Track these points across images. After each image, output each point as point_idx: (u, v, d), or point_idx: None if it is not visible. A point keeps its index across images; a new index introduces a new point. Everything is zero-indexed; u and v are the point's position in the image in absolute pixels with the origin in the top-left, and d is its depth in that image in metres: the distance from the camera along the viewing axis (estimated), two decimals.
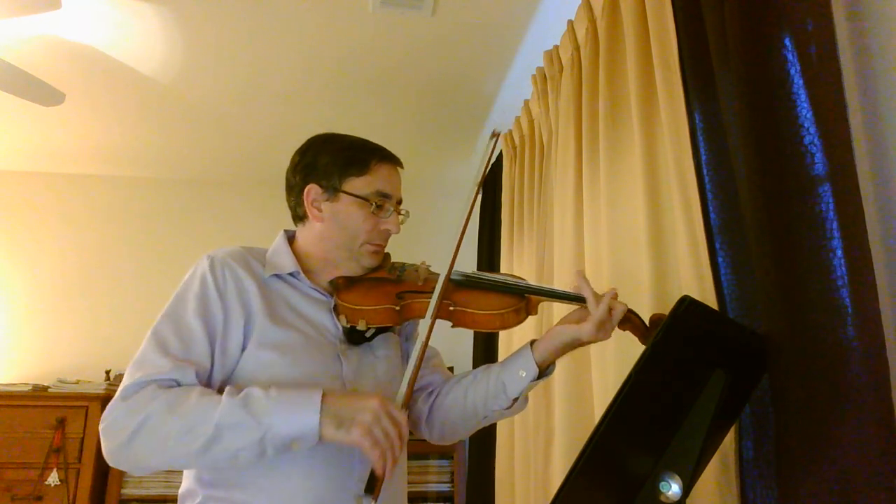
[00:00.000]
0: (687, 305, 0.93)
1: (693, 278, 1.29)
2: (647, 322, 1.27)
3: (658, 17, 1.52)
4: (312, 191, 1.27)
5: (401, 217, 1.33)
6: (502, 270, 2.95)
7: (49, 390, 3.27)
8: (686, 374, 0.97)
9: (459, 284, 1.26)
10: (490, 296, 1.24)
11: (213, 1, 2.29)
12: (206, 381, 1.12)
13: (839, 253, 0.90)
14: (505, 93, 2.91)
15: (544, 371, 1.23)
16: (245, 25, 2.43)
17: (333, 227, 1.27)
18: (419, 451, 3.35)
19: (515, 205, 2.83)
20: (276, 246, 1.31)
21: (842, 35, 1.03)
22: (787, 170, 0.97)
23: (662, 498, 0.93)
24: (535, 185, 2.54)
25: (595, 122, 1.85)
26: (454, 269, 1.25)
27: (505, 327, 1.23)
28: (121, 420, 1.03)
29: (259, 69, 2.74)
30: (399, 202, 1.33)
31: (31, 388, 3.24)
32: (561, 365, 1.93)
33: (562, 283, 2.00)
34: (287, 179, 1.32)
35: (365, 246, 1.27)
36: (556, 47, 2.28)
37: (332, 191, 1.26)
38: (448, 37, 2.48)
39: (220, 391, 1.08)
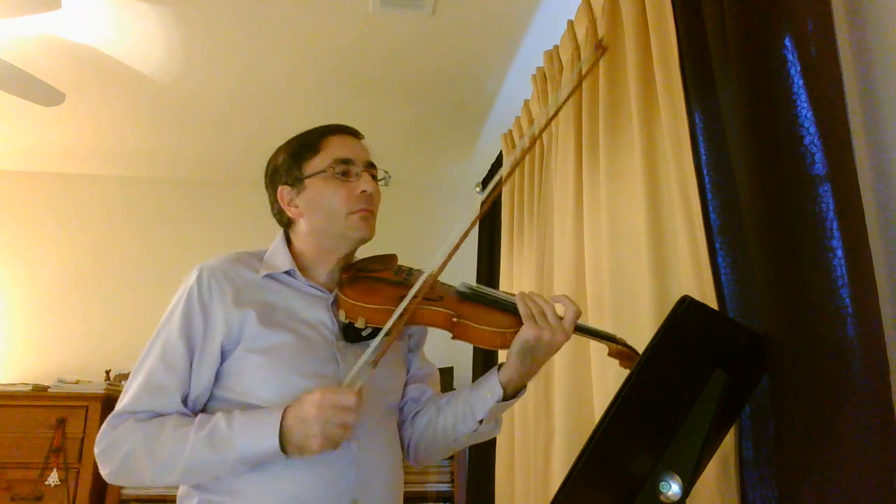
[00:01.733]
0: (687, 305, 0.93)
1: (693, 278, 1.29)
2: (637, 350, 1.25)
3: (658, 17, 1.52)
4: (284, 192, 1.28)
5: (380, 181, 1.32)
6: (502, 271, 2.95)
7: (49, 390, 3.26)
8: (686, 374, 0.97)
9: (465, 297, 1.24)
10: (495, 313, 1.22)
11: (213, 1, 2.29)
12: (186, 397, 1.17)
13: (839, 253, 0.90)
14: (505, 93, 2.91)
15: (513, 393, 1.21)
16: (245, 25, 2.43)
17: (314, 215, 1.27)
18: None
19: (515, 205, 2.82)
20: (274, 246, 1.32)
21: (842, 35, 1.03)
22: (787, 170, 0.97)
23: (662, 498, 0.93)
24: (535, 185, 2.54)
25: (595, 123, 1.85)
26: (464, 281, 1.25)
27: (505, 347, 1.19)
28: (108, 452, 1.13)
29: (259, 69, 2.74)
30: (370, 165, 1.31)
31: (30, 388, 3.23)
32: (561, 365, 1.94)
33: (562, 284, 2.00)
34: (268, 194, 1.34)
35: (350, 217, 1.25)
36: (556, 47, 2.28)
37: (298, 182, 1.27)
38: (448, 36, 2.48)
39: (199, 409, 1.18)
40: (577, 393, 1.84)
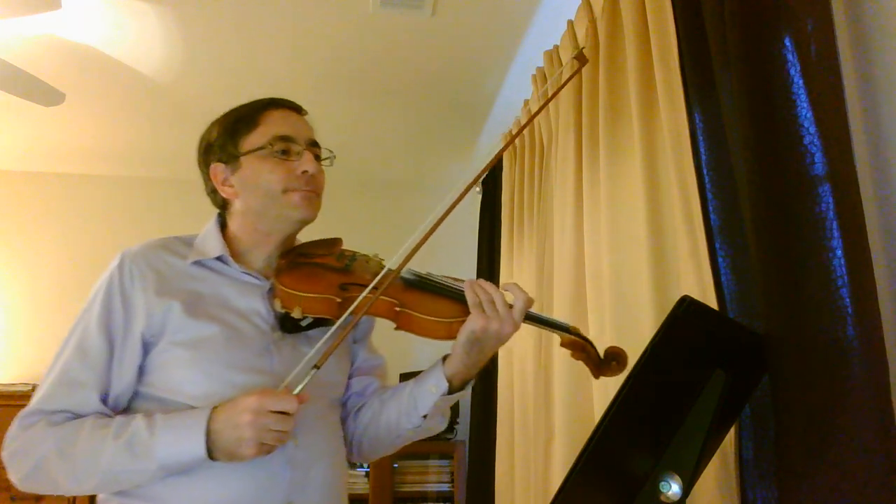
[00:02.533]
0: (687, 305, 0.93)
1: (693, 278, 1.29)
2: (601, 353, 1.23)
3: (658, 17, 1.52)
4: (217, 170, 1.20)
5: (325, 161, 1.23)
6: (502, 271, 2.95)
7: None
8: (686, 374, 0.97)
9: (410, 284, 1.15)
10: (441, 302, 1.14)
11: (213, 1, 2.29)
12: (107, 395, 1.08)
13: (839, 253, 0.90)
14: (505, 93, 2.91)
15: (460, 386, 1.14)
16: (244, 26, 2.43)
17: (250, 195, 1.18)
18: (419, 451, 3.35)
19: (515, 205, 2.82)
20: (206, 230, 1.23)
21: (842, 35, 1.03)
22: (787, 170, 0.97)
23: (662, 498, 0.93)
24: (535, 184, 2.54)
25: (595, 123, 1.85)
26: (408, 266, 1.14)
27: (451, 338, 1.12)
28: (17, 457, 1.03)
29: (258, 69, 2.74)
30: (313, 144, 1.22)
31: (31, 388, 3.24)
32: (561, 365, 1.94)
33: (562, 284, 2.00)
34: (201, 173, 1.25)
35: (288, 195, 1.16)
36: (556, 47, 2.28)
37: (233, 159, 1.18)
38: (448, 36, 2.48)
39: (121, 408, 1.09)
40: (577, 393, 1.84)
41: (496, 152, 1.45)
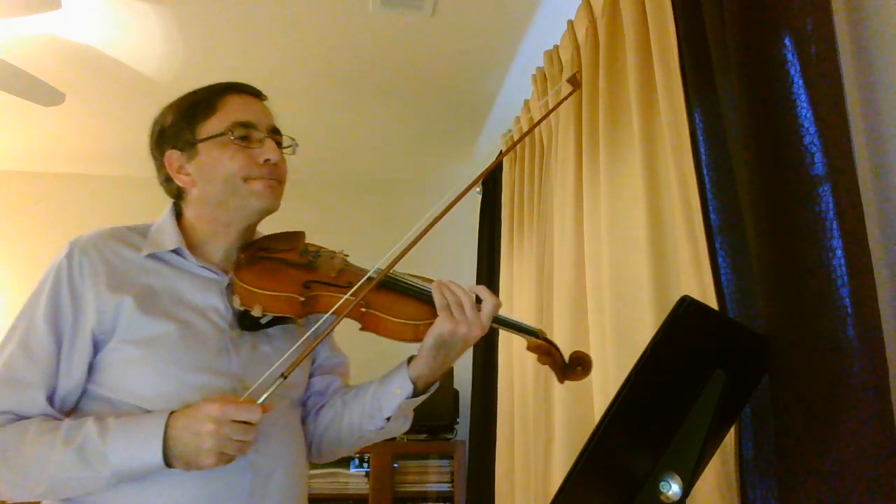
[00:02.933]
0: (687, 305, 0.93)
1: (693, 278, 1.29)
2: (566, 357, 1.24)
3: (658, 18, 1.52)
4: (172, 157, 1.14)
5: (287, 148, 1.18)
6: (502, 271, 2.95)
7: None
8: (686, 374, 0.97)
9: (377, 284, 1.10)
10: (409, 303, 1.11)
11: (213, 1, 2.29)
12: (53, 395, 1.02)
13: (839, 253, 0.90)
14: (505, 93, 2.91)
15: (424, 388, 1.12)
16: (244, 25, 2.43)
17: (208, 183, 1.12)
18: (419, 451, 3.35)
19: (515, 205, 2.82)
20: (161, 220, 1.16)
21: (842, 35, 1.03)
22: (787, 170, 0.97)
23: (662, 498, 0.93)
24: (535, 185, 2.54)
25: (595, 123, 1.85)
26: (377, 267, 1.10)
27: (417, 340, 1.09)
28: None
29: (258, 69, 2.74)
30: (274, 131, 1.17)
31: None
32: None
33: (562, 284, 2.00)
34: (153, 160, 1.19)
35: (250, 182, 1.10)
36: (556, 47, 2.28)
37: (189, 146, 1.12)
38: (448, 36, 2.48)
39: (69, 408, 1.03)
40: (577, 393, 1.84)
41: (494, 156, 1.46)
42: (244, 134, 1.12)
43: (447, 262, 3.13)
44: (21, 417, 1.00)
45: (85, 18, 2.39)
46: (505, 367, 2.77)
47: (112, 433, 0.95)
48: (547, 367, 1.27)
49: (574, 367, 1.24)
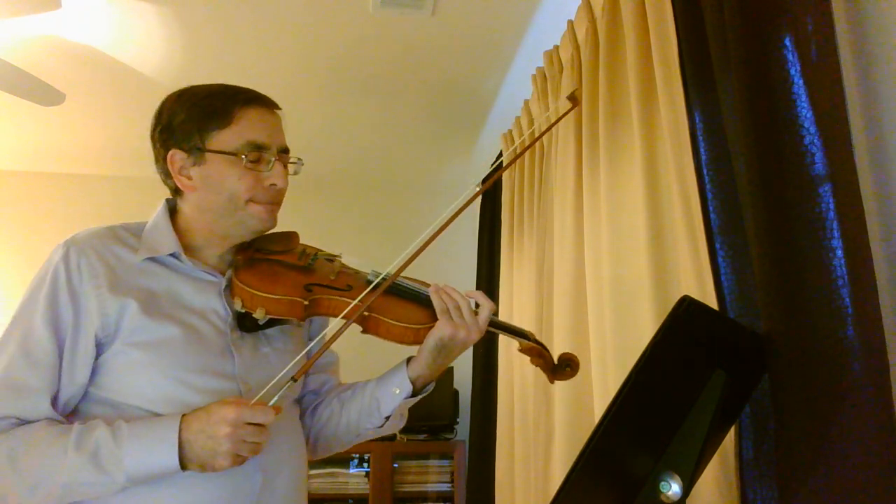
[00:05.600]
0: (687, 305, 0.93)
1: (693, 278, 1.29)
2: (555, 358, 1.30)
3: (658, 17, 1.52)
4: (176, 157, 1.11)
5: (292, 167, 1.16)
6: (502, 271, 2.95)
7: None
8: (686, 374, 0.97)
9: (378, 288, 1.11)
10: (410, 307, 1.12)
11: (213, 1, 2.29)
12: (56, 398, 1.01)
13: (839, 253, 0.90)
14: (505, 93, 2.91)
15: (422, 389, 1.15)
16: (245, 25, 2.43)
17: (209, 194, 1.10)
18: (419, 451, 3.35)
19: (515, 205, 2.83)
20: (155, 220, 1.15)
21: (842, 35, 1.03)
22: (787, 170, 0.97)
23: (662, 498, 0.93)
24: (535, 186, 2.54)
25: (595, 123, 1.85)
26: (374, 269, 1.13)
27: (418, 343, 1.11)
28: None
29: (258, 69, 2.74)
30: (284, 151, 1.15)
31: None
32: None
33: (562, 284, 2.00)
34: (153, 149, 1.15)
35: (250, 205, 1.10)
36: (556, 47, 2.28)
37: (197, 152, 1.09)
38: (448, 37, 2.48)
39: (70, 411, 1.02)
40: (577, 393, 1.84)
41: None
42: (256, 157, 1.10)
43: (447, 263, 3.13)
44: (24, 422, 0.99)
45: (85, 18, 2.39)
46: (505, 368, 2.77)
47: (126, 438, 0.95)
48: (538, 369, 1.32)
49: (563, 367, 1.30)
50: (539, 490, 2.14)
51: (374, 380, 1.20)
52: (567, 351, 1.33)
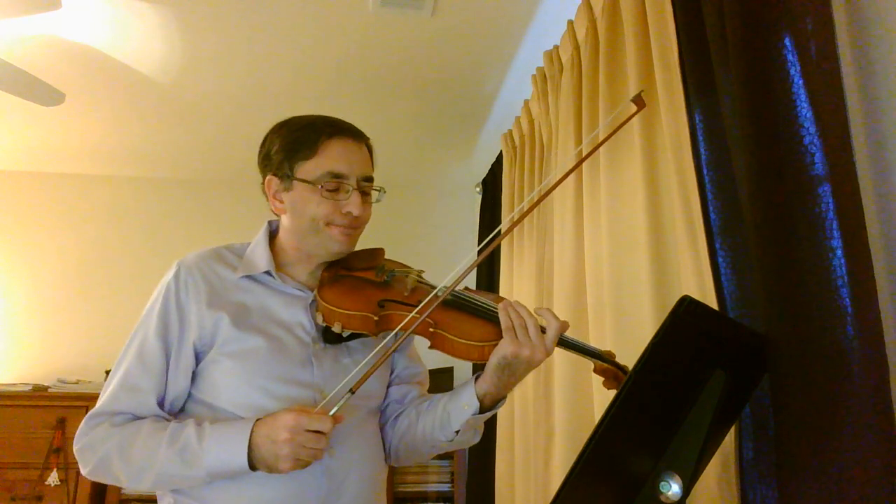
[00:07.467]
0: (687, 305, 0.93)
1: (693, 278, 1.29)
2: (626, 369, 1.21)
3: (658, 17, 1.52)
4: (272, 183, 1.23)
5: (374, 195, 1.25)
6: (502, 271, 2.95)
7: (49, 390, 3.27)
8: (686, 374, 0.97)
9: (445, 303, 1.14)
10: (475, 323, 1.14)
11: (213, 1, 2.29)
12: (163, 399, 1.16)
13: (839, 253, 0.90)
14: (505, 93, 2.91)
15: (491, 405, 1.16)
16: (245, 25, 2.43)
17: (296, 216, 1.21)
18: None
19: (515, 205, 2.82)
20: (256, 241, 1.28)
21: (842, 35, 1.03)
22: (787, 170, 0.97)
23: (662, 498, 0.93)
24: (535, 185, 2.54)
25: (595, 122, 1.85)
26: (444, 284, 1.15)
27: (483, 360, 1.12)
28: (84, 452, 1.13)
29: (258, 69, 2.74)
30: (366, 179, 1.23)
31: (30, 388, 3.24)
32: (561, 365, 1.94)
33: (562, 284, 1.99)
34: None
35: (330, 228, 1.19)
36: (556, 47, 2.28)
37: (287, 179, 1.20)
38: (448, 37, 2.48)
39: (177, 410, 1.17)
40: (577, 393, 1.84)
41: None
42: (335, 186, 1.19)
43: (447, 263, 3.13)
44: (137, 417, 1.15)
45: (85, 18, 2.39)
46: None
47: (207, 437, 1.07)
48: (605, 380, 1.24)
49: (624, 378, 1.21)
50: (539, 490, 2.14)
51: (449, 393, 1.23)
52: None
